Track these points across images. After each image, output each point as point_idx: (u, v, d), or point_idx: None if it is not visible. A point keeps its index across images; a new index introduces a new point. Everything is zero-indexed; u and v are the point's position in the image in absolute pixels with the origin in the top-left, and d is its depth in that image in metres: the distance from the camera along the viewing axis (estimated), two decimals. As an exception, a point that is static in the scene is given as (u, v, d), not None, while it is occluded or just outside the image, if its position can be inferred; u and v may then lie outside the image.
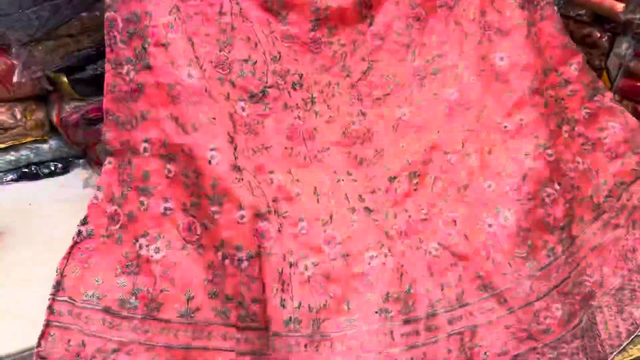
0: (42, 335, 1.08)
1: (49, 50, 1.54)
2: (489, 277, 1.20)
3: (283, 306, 1.12)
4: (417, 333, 1.15)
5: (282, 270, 1.15)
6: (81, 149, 1.77)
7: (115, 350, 1.08)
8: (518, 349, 1.15)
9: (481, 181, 1.29)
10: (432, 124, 1.39)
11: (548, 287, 1.20)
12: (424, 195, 1.34)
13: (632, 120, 1.52)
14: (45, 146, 1.72)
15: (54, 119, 1.66)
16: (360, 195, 1.31)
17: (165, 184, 1.20)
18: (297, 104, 1.33)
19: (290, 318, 1.12)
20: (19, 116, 1.66)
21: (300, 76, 1.34)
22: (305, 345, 1.11)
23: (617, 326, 1.24)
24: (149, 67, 1.20)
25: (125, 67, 1.22)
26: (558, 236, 1.27)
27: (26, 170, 1.71)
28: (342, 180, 1.32)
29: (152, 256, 1.17)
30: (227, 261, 1.13)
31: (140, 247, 1.18)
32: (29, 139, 1.69)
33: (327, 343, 1.12)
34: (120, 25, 1.21)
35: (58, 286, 1.13)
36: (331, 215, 1.25)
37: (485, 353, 1.14)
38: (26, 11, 1.44)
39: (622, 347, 1.20)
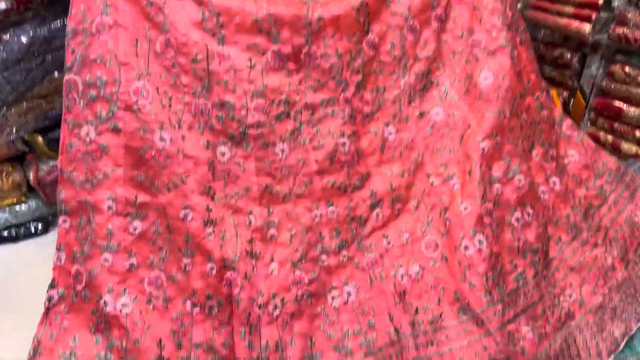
0: None
1: (22, 112, 1.55)
2: (466, 299, 1.21)
3: (251, 347, 1.15)
4: None
5: (249, 314, 1.17)
6: (61, 207, 1.75)
7: None
8: None
9: (459, 203, 1.30)
10: (417, 144, 1.39)
11: (515, 312, 1.22)
12: (406, 221, 1.35)
13: (590, 145, 1.55)
14: (23, 207, 1.70)
15: (32, 179, 1.65)
16: (337, 228, 1.31)
17: (129, 240, 1.23)
18: (280, 136, 1.31)
19: (258, 357, 1.14)
20: (-4, 179, 1.65)
21: (287, 103, 1.31)
22: None
23: (598, 345, 1.24)
24: (117, 130, 1.22)
25: (85, 128, 1.22)
26: (530, 259, 1.29)
27: (5, 233, 1.69)
28: (320, 216, 1.31)
29: (120, 311, 1.19)
30: (196, 309, 1.20)
31: (106, 303, 1.19)
32: (6, 202, 1.67)
33: None
34: (81, 87, 1.21)
35: (35, 352, 1.17)
36: (302, 257, 1.27)
37: None
38: (-2, 76, 1.45)
39: None
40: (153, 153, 1.22)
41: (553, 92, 2.09)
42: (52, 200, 1.69)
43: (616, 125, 1.92)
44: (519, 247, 1.29)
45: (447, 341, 1.20)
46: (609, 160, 1.54)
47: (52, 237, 1.73)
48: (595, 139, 1.92)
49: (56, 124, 1.60)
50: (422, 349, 1.19)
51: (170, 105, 1.24)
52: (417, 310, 1.24)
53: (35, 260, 1.47)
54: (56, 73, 1.54)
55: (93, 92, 1.20)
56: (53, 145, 1.62)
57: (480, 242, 1.25)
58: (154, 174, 1.22)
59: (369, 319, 1.24)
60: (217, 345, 1.17)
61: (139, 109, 1.21)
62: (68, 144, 1.23)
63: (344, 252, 1.31)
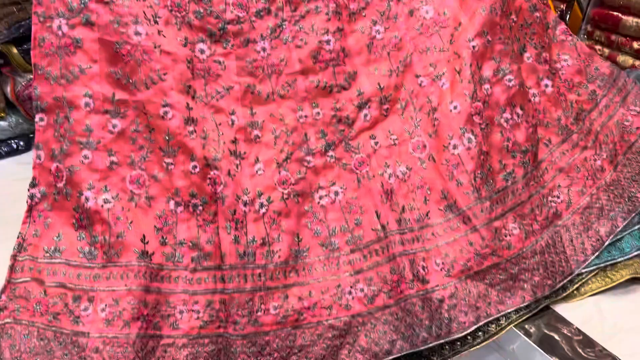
0: (3, 290, 1.13)
1: (-6, 21, 1.48)
2: (453, 197, 1.22)
3: (237, 242, 1.16)
4: (364, 258, 1.20)
5: (235, 211, 1.17)
6: (42, 124, 1.70)
7: (76, 298, 1.11)
8: (481, 265, 1.16)
9: (448, 102, 1.27)
10: (406, 44, 1.35)
11: (503, 209, 1.23)
12: (393, 121, 1.32)
13: (584, 50, 1.50)
14: (3, 124, 1.66)
15: (9, 94, 1.59)
16: (322, 130, 1.30)
17: (109, 139, 1.20)
18: (261, 34, 1.26)
19: (245, 252, 1.15)
20: (-28, 96, 1.59)
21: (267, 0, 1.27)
22: (259, 275, 1.14)
23: (583, 243, 1.24)
24: (90, 24, 1.17)
25: (57, 21, 1.17)
26: (520, 159, 1.29)
27: (-14, 150, 1.65)
28: (305, 117, 1.29)
29: (102, 206, 1.17)
30: (180, 208, 1.20)
31: (87, 199, 1.17)
32: (-14, 117, 1.63)
33: (280, 272, 1.17)
34: None
35: (20, 247, 1.18)
36: (287, 157, 1.26)
37: (448, 269, 1.16)
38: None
39: (587, 262, 1.22)
40: (129, 48, 1.17)
41: (550, 5, 2.03)
42: (33, 116, 1.64)
43: (613, 37, 1.85)
44: (508, 147, 1.28)
45: (434, 238, 1.20)
46: (602, 65, 1.50)
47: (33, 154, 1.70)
48: (591, 53, 1.87)
49: (30, 34, 1.54)
50: (407, 244, 1.19)
51: None
52: (403, 209, 1.24)
53: (17, 178, 1.43)
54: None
55: None
56: (29, 55, 1.55)
57: (469, 140, 1.24)
58: (131, 71, 1.18)
59: (356, 217, 1.24)
60: (202, 242, 1.18)
61: (112, 1, 1.15)
62: (40, 38, 1.18)
63: (331, 153, 1.29)
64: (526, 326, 1.14)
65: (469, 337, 1.12)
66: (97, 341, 1.06)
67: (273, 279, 1.15)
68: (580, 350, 1.07)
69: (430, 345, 1.10)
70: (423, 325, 1.11)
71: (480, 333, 1.13)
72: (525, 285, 1.17)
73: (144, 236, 1.17)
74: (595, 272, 1.24)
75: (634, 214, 1.29)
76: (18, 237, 1.18)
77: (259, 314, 1.12)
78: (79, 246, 1.17)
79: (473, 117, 1.25)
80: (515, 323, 1.14)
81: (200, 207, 1.19)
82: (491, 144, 1.27)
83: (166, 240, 1.18)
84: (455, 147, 1.24)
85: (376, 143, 1.31)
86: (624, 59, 1.83)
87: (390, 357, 1.11)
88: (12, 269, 1.15)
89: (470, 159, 1.23)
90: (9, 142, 1.67)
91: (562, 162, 1.35)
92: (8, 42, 1.53)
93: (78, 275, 1.14)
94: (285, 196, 1.22)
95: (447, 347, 1.13)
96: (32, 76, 1.55)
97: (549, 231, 1.25)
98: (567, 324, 1.14)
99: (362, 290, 1.17)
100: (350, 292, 1.17)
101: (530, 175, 1.30)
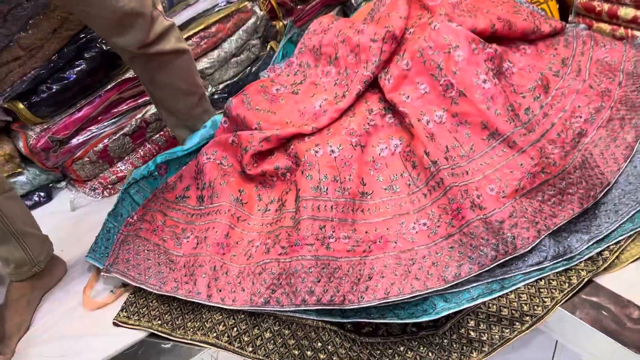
0: (137, 211, 1.42)
1: (-4, 80, 1.49)
2: (493, 126, 1.31)
3: (310, 177, 1.28)
4: (424, 196, 1.28)
5: (306, 157, 1.32)
6: (59, 171, 1.72)
7: (183, 230, 1.37)
8: (533, 183, 1.22)
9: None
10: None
11: (537, 136, 1.32)
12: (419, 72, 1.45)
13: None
14: (22, 178, 1.68)
15: (23, 149, 1.61)
16: (380, 98, 1.49)
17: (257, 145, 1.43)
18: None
19: (318, 186, 1.26)
20: (-13, 155, 1.61)
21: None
22: (331, 207, 1.24)
23: (613, 154, 1.30)
24: (296, 93, 1.55)
25: (278, 86, 1.58)
26: (531, 96, 1.41)
27: (10, 207, 1.66)
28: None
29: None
30: (274, 177, 1.41)
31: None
32: (4, 176, 1.64)
33: (353, 205, 1.28)
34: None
35: (163, 189, 1.47)
36: (353, 115, 1.45)
37: (502, 191, 1.20)
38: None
39: (621, 171, 1.27)
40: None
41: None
42: (49, 166, 1.66)
43: (611, -11, 1.82)
44: (514, 90, 1.42)
45: (482, 168, 1.27)
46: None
47: (57, 203, 1.72)
48: (590, 9, 1.83)
49: (34, 88, 1.55)
50: (459, 178, 1.25)
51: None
52: (447, 149, 1.30)
53: (45, 230, 1.44)
54: (21, 33, 1.47)
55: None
56: (36, 109, 1.56)
57: (493, 77, 1.36)
58: (280, 113, 1.52)
59: (412, 162, 1.35)
60: (282, 194, 1.37)
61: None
62: (264, 85, 1.60)
63: (388, 116, 1.46)
64: (571, 303, 1.13)
65: (516, 324, 1.12)
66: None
67: (346, 211, 1.26)
68: (626, 320, 1.06)
69: (500, 261, 1.13)
70: (490, 244, 1.14)
71: (527, 318, 1.13)
72: (573, 198, 1.21)
73: (242, 188, 1.41)
74: (633, 237, 1.23)
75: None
76: (163, 183, 1.46)
77: (331, 240, 1.20)
78: (197, 194, 1.43)
79: (486, 62, 1.38)
80: (561, 303, 1.14)
81: (288, 174, 1.39)
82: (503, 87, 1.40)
83: (260, 196, 1.40)
84: (485, 81, 1.34)
85: (407, 97, 1.42)
86: (626, 11, 1.79)
87: (459, 280, 1.13)
88: (149, 200, 1.43)
89: (499, 93, 1.33)
90: (30, 195, 1.70)
91: (574, 86, 1.45)
92: (13, 98, 1.54)
93: (192, 215, 1.40)
94: (354, 144, 1.36)
95: (496, 336, 1.13)
96: (42, 127, 1.59)
97: (579, 149, 1.32)
98: (612, 295, 1.13)
99: (424, 224, 1.24)
100: (413, 227, 1.24)
101: (547, 105, 1.40)
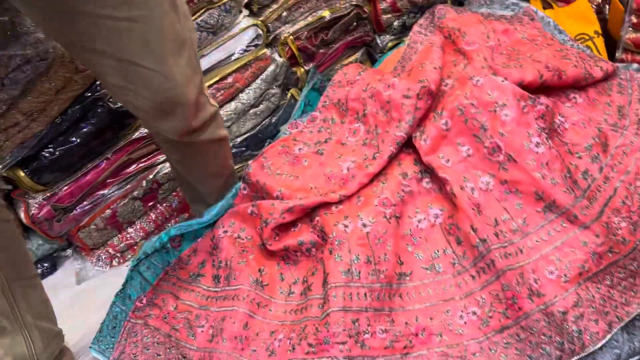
0: (147, 294, 1.28)
1: (-5, 148, 1.37)
2: (550, 197, 1.13)
3: (339, 258, 1.12)
4: (473, 278, 1.12)
5: (335, 233, 1.16)
6: (64, 239, 1.59)
7: (198, 317, 1.21)
8: (600, 265, 1.05)
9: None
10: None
11: (599, 206, 1.14)
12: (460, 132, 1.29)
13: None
14: (25, 249, 1.54)
15: (24, 219, 1.48)
16: (415, 160, 1.33)
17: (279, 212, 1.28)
18: None
19: (349, 270, 1.10)
20: (-13, 225, 1.48)
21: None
22: (365, 294, 1.08)
23: None
24: (321, 154, 1.42)
25: (301, 145, 1.46)
26: (588, 156, 1.23)
27: (13, 280, 1.54)
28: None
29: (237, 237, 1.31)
30: (298, 253, 1.25)
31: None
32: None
33: (389, 290, 1.12)
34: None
35: (175, 266, 1.33)
36: (385, 180, 1.29)
37: (564, 275, 1.03)
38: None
39: None
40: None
41: (583, 1, 1.84)
42: (53, 236, 1.53)
43: (665, 25, 1.65)
44: (570, 150, 1.24)
45: (538, 245, 1.10)
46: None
47: (62, 274, 1.59)
48: (641, 46, 1.67)
49: (35, 153, 1.44)
50: (512, 259, 1.08)
51: None
52: (496, 222, 1.14)
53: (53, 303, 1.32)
54: (21, 97, 1.35)
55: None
56: (38, 176, 1.44)
57: (547, 139, 1.18)
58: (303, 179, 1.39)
59: (455, 237, 1.18)
60: (309, 276, 1.20)
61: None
62: (283, 146, 1.45)
63: (425, 181, 1.30)
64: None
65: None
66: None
67: (382, 299, 1.09)
68: None
69: None
70: (553, 342, 0.98)
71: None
72: None
73: (263, 267, 1.24)
74: None
75: None
76: (176, 259, 1.32)
77: (366, 336, 1.04)
78: (213, 273, 1.27)
79: (537, 121, 1.21)
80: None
81: (313, 249, 1.24)
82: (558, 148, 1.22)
83: (283, 276, 1.24)
84: (537, 145, 1.17)
85: (447, 161, 1.26)
86: (683, 48, 1.62)
87: None
88: (160, 280, 1.29)
89: (555, 158, 1.16)
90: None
91: (638, 142, 1.25)
92: (13, 165, 1.42)
93: (207, 297, 1.24)
94: (387, 216, 1.20)
95: None
96: (44, 196, 1.46)
97: None
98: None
99: (474, 313, 1.08)
100: (461, 317, 1.08)
101: (607, 167, 1.21)
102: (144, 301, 1.27)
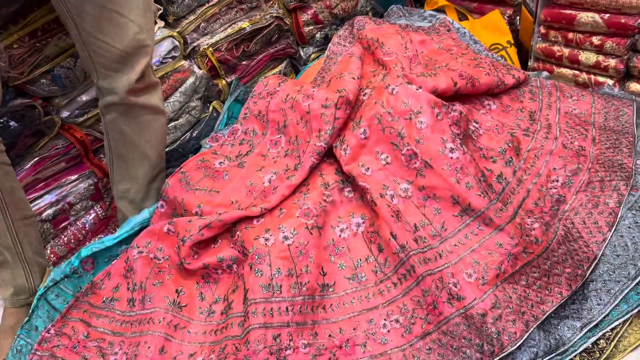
0: (55, 324, 1.19)
1: None
2: (465, 201, 1.17)
3: (259, 273, 1.10)
4: (394, 285, 1.12)
5: (255, 247, 1.13)
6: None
7: (111, 344, 1.15)
8: (515, 266, 1.09)
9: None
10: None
11: (513, 208, 1.19)
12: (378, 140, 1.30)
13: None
14: None
15: None
16: (336, 169, 1.33)
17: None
18: None
19: (270, 284, 1.08)
20: None
21: None
22: (287, 309, 1.06)
23: (597, 222, 1.18)
24: (242, 167, 1.38)
25: (221, 158, 1.41)
26: (502, 160, 1.28)
27: None
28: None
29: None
30: (219, 270, 1.21)
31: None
32: None
33: (312, 303, 1.10)
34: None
35: (86, 292, 1.25)
36: (307, 191, 1.28)
37: (482, 277, 1.06)
38: None
39: (607, 241, 1.14)
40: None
41: (496, 13, 1.91)
42: None
43: (570, 35, 1.73)
44: (484, 155, 1.29)
45: (456, 249, 1.12)
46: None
47: None
48: (550, 55, 1.76)
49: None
50: (431, 263, 1.09)
51: None
52: (416, 227, 1.15)
53: None
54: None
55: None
56: None
57: (461, 144, 1.22)
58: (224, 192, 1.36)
59: (377, 245, 1.18)
60: (229, 294, 1.17)
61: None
62: (204, 160, 1.40)
63: (346, 190, 1.30)
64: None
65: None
66: None
67: (302, 312, 1.07)
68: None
69: None
70: (474, 345, 0.99)
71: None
72: (560, 279, 1.08)
73: (181, 287, 1.20)
74: (629, 320, 1.09)
75: (630, 180, 1.25)
76: (88, 284, 1.24)
77: (288, 352, 1.02)
78: (127, 297, 1.20)
79: (451, 127, 1.25)
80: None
81: (234, 266, 1.20)
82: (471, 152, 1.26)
83: (203, 296, 1.19)
84: (452, 150, 1.20)
85: (367, 169, 1.27)
86: (587, 56, 1.71)
87: None
88: (70, 307, 1.21)
89: (469, 163, 1.20)
90: None
91: (548, 145, 1.33)
92: None
93: (122, 322, 1.18)
94: (310, 226, 1.18)
95: None
96: None
97: (559, 219, 1.19)
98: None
99: (397, 320, 1.08)
100: (384, 325, 1.07)
101: (520, 170, 1.27)
102: (52, 331, 1.18)
